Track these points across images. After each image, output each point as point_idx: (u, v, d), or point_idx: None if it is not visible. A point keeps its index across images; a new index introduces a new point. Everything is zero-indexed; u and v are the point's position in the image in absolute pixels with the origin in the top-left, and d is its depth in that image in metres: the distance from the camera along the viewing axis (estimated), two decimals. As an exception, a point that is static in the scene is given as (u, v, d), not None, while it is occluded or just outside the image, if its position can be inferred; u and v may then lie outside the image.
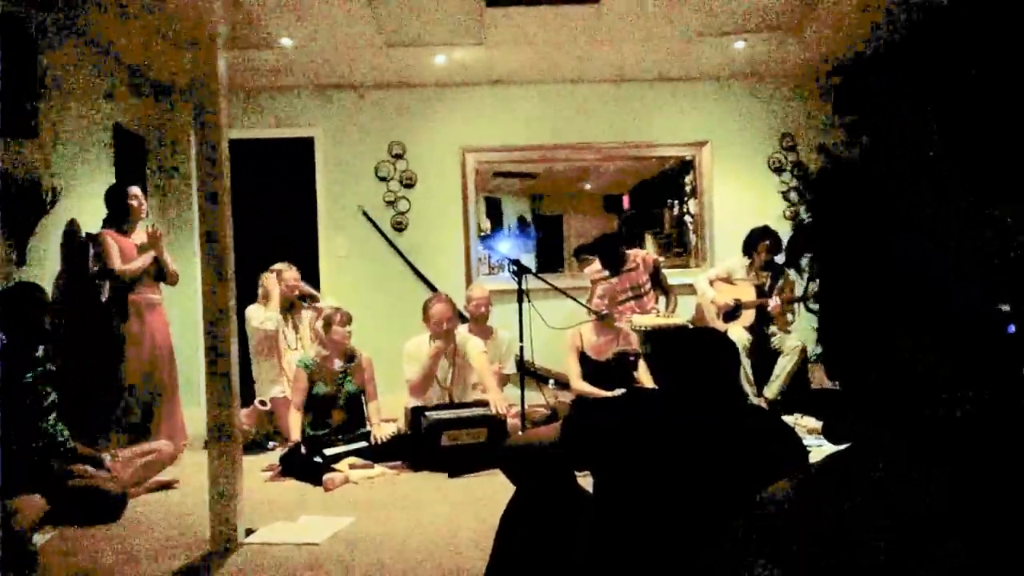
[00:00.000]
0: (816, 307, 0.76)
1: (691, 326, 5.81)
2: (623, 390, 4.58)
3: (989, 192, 0.66)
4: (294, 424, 4.64)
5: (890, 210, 0.70)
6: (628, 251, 5.83)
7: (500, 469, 2.20)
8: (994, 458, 0.64)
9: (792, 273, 5.26)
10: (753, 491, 1.71)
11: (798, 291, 5.63)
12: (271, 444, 5.09)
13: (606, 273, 5.72)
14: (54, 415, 3.75)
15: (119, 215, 4.73)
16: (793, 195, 6.59)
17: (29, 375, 3.65)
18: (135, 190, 4.80)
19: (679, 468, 1.81)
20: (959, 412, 0.66)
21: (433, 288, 6.10)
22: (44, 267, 4.39)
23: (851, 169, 0.73)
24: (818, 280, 0.74)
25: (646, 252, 5.99)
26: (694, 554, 1.71)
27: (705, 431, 1.85)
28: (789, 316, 5.61)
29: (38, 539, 3.30)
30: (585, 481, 2.18)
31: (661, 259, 6.11)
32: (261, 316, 5.28)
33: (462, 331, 5.19)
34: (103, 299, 4.73)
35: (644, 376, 5.03)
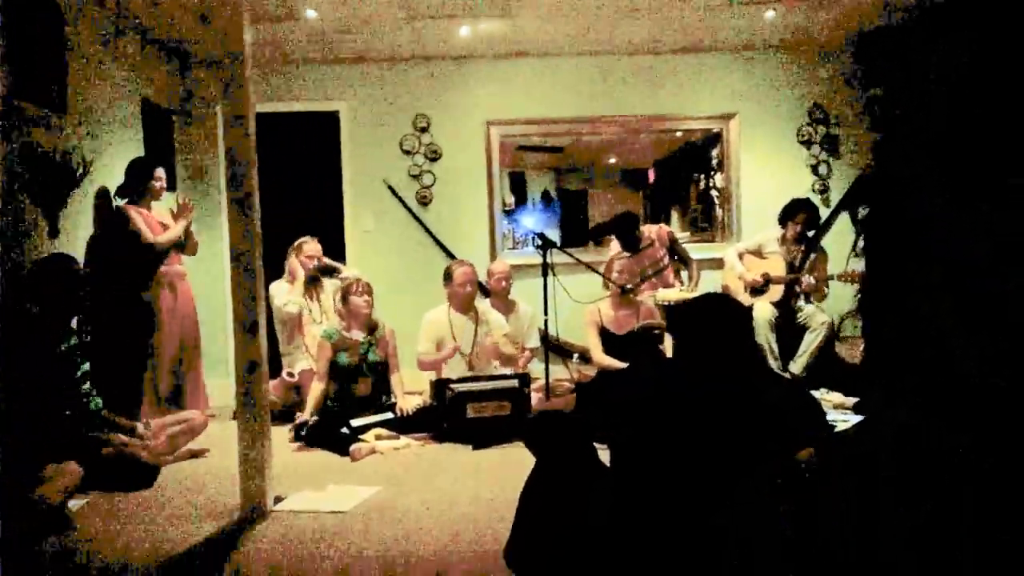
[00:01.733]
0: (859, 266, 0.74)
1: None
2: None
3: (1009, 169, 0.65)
4: (312, 395, 4.69)
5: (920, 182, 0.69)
6: (641, 227, 5.81)
7: (523, 441, 2.22)
8: (1012, 429, 0.64)
9: (824, 248, 5.22)
10: (772, 458, 1.72)
11: (831, 268, 5.57)
12: (298, 415, 5.15)
13: (626, 254, 5.70)
14: (88, 384, 3.84)
15: (138, 189, 4.76)
16: (822, 169, 6.50)
17: (63, 345, 3.72)
18: (160, 172, 4.83)
19: (696, 436, 1.80)
20: (980, 383, 0.65)
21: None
22: (76, 239, 4.46)
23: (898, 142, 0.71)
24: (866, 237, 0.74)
25: (659, 226, 5.93)
26: (710, 519, 1.72)
27: (721, 400, 1.84)
28: (825, 289, 5.55)
29: (73, 504, 3.38)
30: (604, 454, 2.19)
31: (685, 234, 6.07)
32: (284, 297, 5.31)
33: (485, 304, 5.23)
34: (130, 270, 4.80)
35: (669, 350, 5.03)
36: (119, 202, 4.75)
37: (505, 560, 2.24)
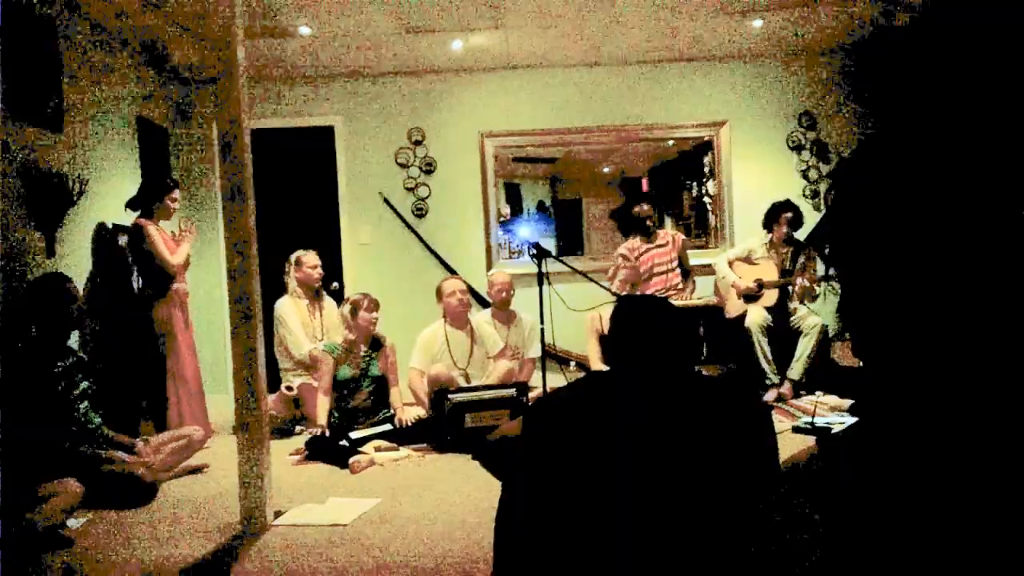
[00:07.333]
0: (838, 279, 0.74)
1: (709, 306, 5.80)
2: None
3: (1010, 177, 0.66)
4: (321, 408, 4.71)
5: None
6: (659, 230, 6.00)
7: (483, 466, 2.14)
8: (1011, 439, 0.64)
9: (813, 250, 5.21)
10: (712, 464, 1.67)
11: (820, 268, 5.60)
12: (298, 428, 5.16)
13: (641, 248, 5.80)
14: (86, 403, 3.84)
15: (155, 207, 4.79)
16: (812, 174, 6.55)
17: (60, 363, 3.73)
18: (177, 194, 4.87)
19: (627, 447, 1.75)
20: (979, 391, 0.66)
21: (453, 273, 6.14)
22: (73, 258, 4.47)
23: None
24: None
25: (676, 232, 6.06)
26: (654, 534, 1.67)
27: (651, 406, 1.79)
28: (817, 289, 5.56)
29: (73, 523, 3.39)
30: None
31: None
32: (301, 332, 5.33)
33: (480, 320, 5.26)
34: (136, 289, 4.83)
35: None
36: (132, 216, 4.78)
37: None
